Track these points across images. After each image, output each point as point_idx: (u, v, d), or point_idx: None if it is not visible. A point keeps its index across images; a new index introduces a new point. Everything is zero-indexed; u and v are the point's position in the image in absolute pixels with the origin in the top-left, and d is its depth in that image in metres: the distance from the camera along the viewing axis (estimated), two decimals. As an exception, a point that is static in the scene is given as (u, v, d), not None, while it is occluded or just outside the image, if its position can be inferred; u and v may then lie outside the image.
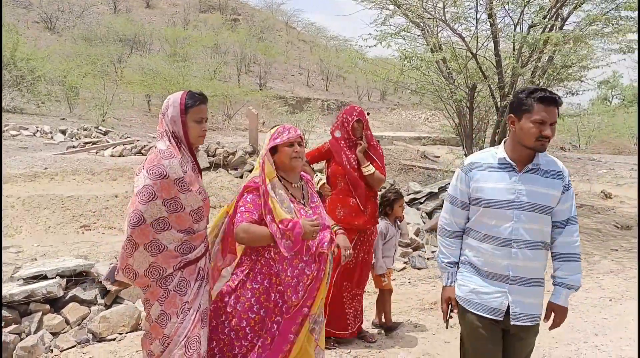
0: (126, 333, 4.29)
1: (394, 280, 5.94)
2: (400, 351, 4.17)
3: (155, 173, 2.36)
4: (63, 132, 18.71)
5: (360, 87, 41.31)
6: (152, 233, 2.38)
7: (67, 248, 6.75)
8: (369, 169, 4.18)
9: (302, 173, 3.05)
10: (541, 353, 4.22)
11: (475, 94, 10.62)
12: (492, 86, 10.26)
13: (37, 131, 18.34)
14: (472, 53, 9.91)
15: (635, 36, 8.81)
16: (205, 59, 35.05)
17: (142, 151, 13.90)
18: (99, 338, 4.19)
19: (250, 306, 2.75)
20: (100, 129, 19.54)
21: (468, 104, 10.69)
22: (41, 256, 6.41)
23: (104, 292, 4.62)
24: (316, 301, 2.78)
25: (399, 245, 7.58)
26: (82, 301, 4.48)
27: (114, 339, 4.20)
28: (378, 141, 4.47)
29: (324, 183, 4.22)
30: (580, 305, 5.48)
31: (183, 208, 2.44)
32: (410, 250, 7.32)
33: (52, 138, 18.00)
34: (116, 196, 8.92)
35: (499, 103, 10.31)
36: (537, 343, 4.34)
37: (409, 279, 6.24)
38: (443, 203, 9.99)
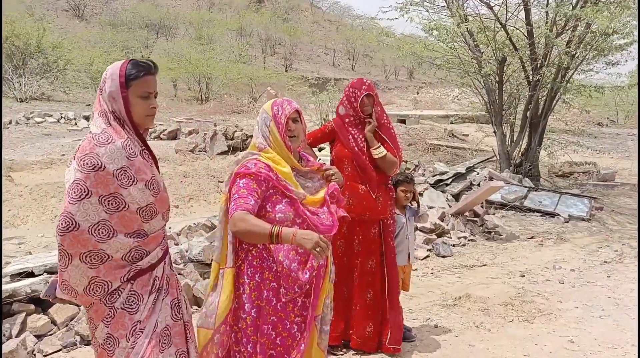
0: (116, 335, 3.93)
1: (415, 270, 5.43)
2: (418, 357, 3.69)
3: (87, 164, 1.88)
4: (87, 118, 18.63)
5: (387, 65, 40.45)
6: (93, 242, 1.92)
7: (72, 238, 6.47)
8: (379, 151, 3.59)
9: (302, 153, 2.60)
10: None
11: (505, 67, 9.91)
12: (523, 59, 9.54)
13: (62, 117, 18.31)
14: (501, 23, 9.21)
15: None
16: (230, 42, 34.84)
17: (161, 136, 13.76)
18: (87, 341, 3.84)
19: (243, 304, 2.40)
20: (124, 115, 19.47)
21: (497, 79, 9.99)
22: (44, 247, 6.15)
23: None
24: (320, 300, 2.42)
25: (422, 231, 7.01)
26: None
27: (103, 342, 3.84)
28: (389, 118, 3.88)
29: None
30: (625, 298, 4.86)
31: (126, 206, 1.95)
32: (434, 236, 6.79)
33: (75, 124, 17.94)
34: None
35: (530, 77, 9.60)
36: (577, 346, 3.84)
37: (432, 269, 5.73)
38: (471, 184, 9.20)
